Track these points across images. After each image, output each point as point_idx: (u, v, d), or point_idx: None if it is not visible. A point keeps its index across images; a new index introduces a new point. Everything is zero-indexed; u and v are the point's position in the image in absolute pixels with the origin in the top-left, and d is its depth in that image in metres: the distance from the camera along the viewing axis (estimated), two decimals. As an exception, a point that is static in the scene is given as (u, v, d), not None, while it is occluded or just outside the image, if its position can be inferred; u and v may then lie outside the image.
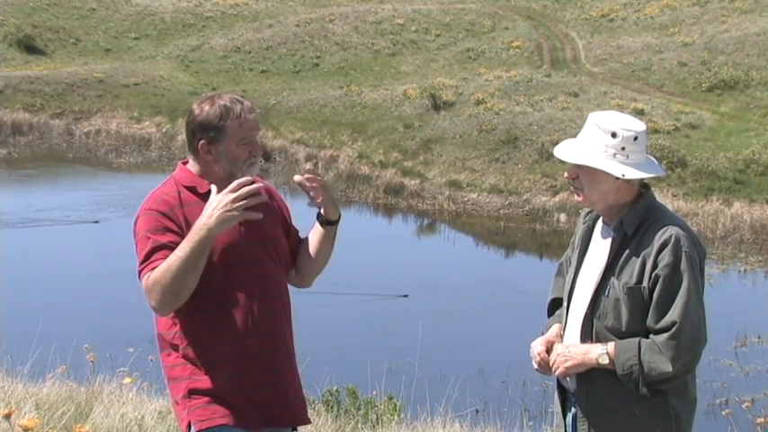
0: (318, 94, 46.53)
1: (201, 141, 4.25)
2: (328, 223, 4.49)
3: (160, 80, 51.35)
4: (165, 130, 45.63)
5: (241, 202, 3.96)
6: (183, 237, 4.09)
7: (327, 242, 4.52)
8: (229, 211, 3.97)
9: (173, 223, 4.17)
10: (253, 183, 4.08)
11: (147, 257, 4.10)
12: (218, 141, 4.23)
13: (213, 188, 4.11)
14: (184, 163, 4.41)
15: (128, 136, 46.15)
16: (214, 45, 57.65)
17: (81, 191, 35.74)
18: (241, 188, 4.00)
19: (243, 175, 4.21)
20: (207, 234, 4.00)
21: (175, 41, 59.53)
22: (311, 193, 4.38)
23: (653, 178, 4.26)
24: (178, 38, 60.25)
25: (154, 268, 4.07)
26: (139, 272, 4.12)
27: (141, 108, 47.74)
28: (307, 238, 4.59)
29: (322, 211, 4.48)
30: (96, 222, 29.62)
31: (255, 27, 59.87)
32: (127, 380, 8.71)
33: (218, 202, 4.01)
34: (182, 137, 43.42)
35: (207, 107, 4.25)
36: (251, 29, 59.63)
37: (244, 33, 58.89)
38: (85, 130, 47.20)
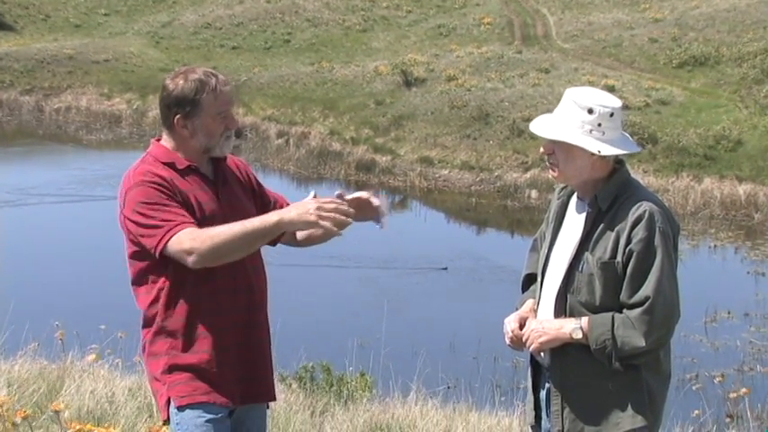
0: (289, 71, 46.40)
1: (177, 116, 4.24)
2: None
3: (130, 56, 51.05)
4: (135, 106, 45.42)
5: (324, 213, 4.00)
6: (181, 204, 4.12)
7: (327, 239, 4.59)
8: (310, 213, 4.00)
9: (170, 191, 4.16)
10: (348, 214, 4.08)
11: (167, 220, 4.09)
12: (194, 115, 4.23)
13: (311, 193, 4.18)
14: (158, 140, 4.40)
15: (98, 113, 45.93)
16: (185, 21, 57.36)
17: (63, 170, 35.28)
18: (336, 209, 4.03)
19: (220, 150, 4.30)
20: (276, 219, 4.05)
21: (146, 18, 59.19)
22: (382, 219, 4.70)
23: (627, 155, 4.27)
24: (148, 14, 59.90)
25: (178, 227, 4.06)
26: (161, 237, 4.08)
27: (111, 85, 47.48)
28: None
29: None
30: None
31: (226, 3, 59.56)
32: (91, 357, 8.69)
33: (308, 203, 4.06)
34: (153, 113, 43.25)
35: (181, 81, 4.24)
36: (222, 5, 59.33)
37: (214, 9, 58.60)
38: (55, 106, 46.93)
